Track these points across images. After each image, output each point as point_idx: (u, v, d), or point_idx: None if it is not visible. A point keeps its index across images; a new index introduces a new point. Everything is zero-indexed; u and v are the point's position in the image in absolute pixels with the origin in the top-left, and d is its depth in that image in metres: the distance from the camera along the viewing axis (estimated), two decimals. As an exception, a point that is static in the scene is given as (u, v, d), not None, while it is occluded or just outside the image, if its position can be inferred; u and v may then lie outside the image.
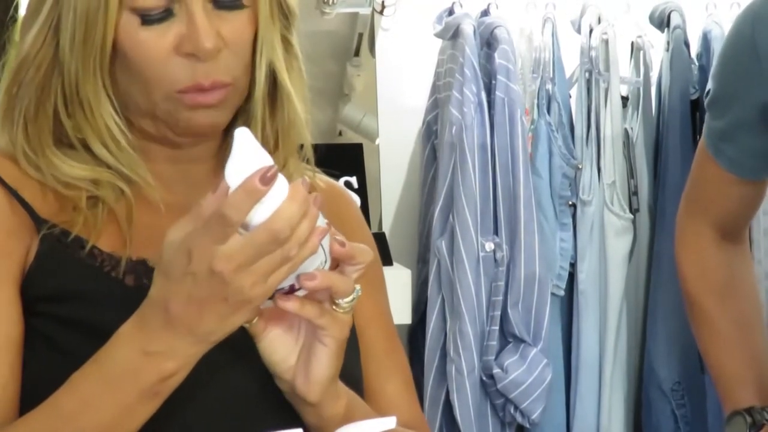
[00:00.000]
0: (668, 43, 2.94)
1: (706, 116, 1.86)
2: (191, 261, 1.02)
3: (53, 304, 1.14)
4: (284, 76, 1.22)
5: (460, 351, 2.79)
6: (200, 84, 1.15)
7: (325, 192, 1.29)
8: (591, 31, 2.94)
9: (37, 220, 1.16)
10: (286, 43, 1.23)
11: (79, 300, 1.13)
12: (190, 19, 1.14)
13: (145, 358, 1.05)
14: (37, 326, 1.14)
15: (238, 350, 1.13)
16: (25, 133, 1.19)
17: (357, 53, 3.06)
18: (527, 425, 2.86)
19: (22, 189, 1.17)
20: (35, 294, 1.14)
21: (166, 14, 1.14)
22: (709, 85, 1.85)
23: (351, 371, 1.21)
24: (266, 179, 1.00)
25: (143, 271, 1.15)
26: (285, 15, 1.23)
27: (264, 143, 1.21)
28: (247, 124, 1.21)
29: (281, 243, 1.01)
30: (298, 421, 1.14)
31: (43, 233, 1.15)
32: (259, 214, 1.02)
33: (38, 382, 1.12)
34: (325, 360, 1.10)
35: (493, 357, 2.81)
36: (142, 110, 1.19)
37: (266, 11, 1.20)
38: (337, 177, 3.16)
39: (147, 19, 1.14)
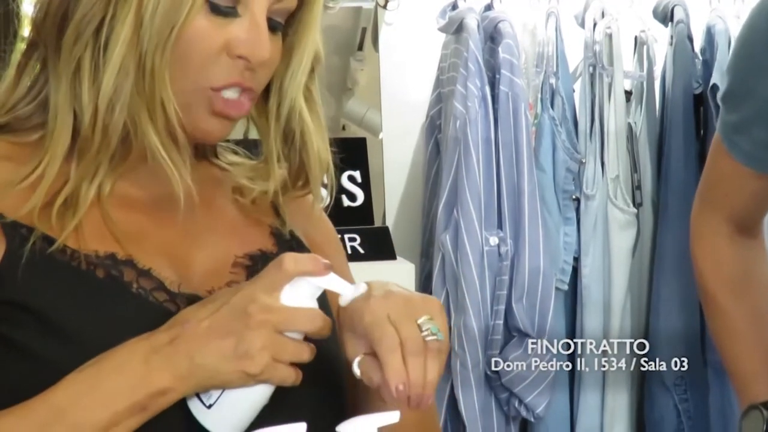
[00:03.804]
0: (672, 37, 2.95)
1: (721, 110, 1.85)
2: (235, 295, 1.07)
3: (22, 304, 1.10)
4: (306, 115, 1.22)
5: (465, 345, 2.79)
6: (239, 82, 1.14)
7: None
8: (594, 25, 2.95)
9: (2, 220, 1.13)
10: (306, 90, 1.22)
11: (50, 296, 1.10)
12: (253, 25, 1.14)
13: (143, 367, 1.05)
14: (2, 330, 1.11)
15: None
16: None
17: (360, 48, 3.06)
18: (531, 419, 2.87)
19: None
20: (3, 297, 1.11)
21: (233, 12, 1.14)
22: (717, 79, 1.84)
23: (347, 370, 1.20)
24: (327, 268, 1.07)
25: (112, 264, 1.13)
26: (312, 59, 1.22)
27: None
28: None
29: (314, 331, 1.06)
30: (299, 417, 1.13)
31: (8, 233, 1.12)
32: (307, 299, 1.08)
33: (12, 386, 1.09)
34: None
35: (498, 351, 2.81)
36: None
37: (306, 46, 1.20)
38: (340, 172, 3.15)
39: (215, 7, 1.13)
